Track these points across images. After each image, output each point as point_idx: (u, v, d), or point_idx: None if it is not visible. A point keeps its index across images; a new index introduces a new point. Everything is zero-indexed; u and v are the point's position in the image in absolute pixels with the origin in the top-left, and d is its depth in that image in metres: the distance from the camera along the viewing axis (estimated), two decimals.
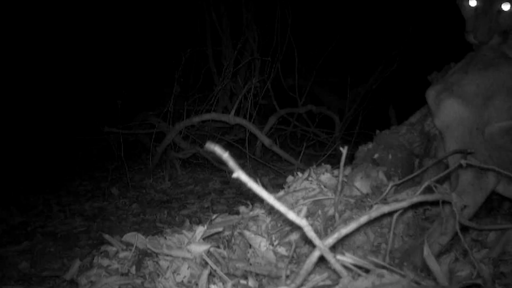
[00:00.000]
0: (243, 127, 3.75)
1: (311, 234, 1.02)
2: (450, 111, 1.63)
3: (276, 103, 4.12)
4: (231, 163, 1.00)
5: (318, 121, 4.06)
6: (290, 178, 1.91)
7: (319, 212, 1.63)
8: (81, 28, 5.82)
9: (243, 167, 3.59)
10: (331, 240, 1.09)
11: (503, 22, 1.68)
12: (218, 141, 4.07)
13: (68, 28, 5.74)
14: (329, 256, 1.08)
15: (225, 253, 1.53)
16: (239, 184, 3.29)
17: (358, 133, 3.82)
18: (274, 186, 2.90)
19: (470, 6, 1.71)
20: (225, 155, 0.97)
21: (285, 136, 4.36)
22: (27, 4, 5.45)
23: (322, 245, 1.06)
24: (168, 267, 1.45)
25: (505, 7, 1.66)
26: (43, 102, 5.48)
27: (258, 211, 1.78)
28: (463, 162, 1.33)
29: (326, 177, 1.83)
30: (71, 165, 4.17)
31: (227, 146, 4.00)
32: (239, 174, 1.01)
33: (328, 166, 1.95)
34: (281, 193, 1.83)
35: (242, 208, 1.87)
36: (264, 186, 2.88)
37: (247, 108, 3.97)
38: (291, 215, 1.01)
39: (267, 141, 3.49)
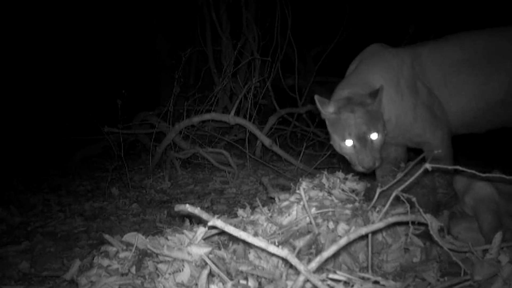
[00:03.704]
0: (243, 127, 3.75)
1: (294, 261, 1.12)
2: None
3: (276, 103, 4.12)
4: (204, 215, 1.09)
5: (318, 121, 4.06)
6: (304, 184, 1.91)
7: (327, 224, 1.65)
8: (81, 28, 5.82)
9: (243, 167, 3.59)
10: (314, 264, 1.17)
11: (377, 147, 2.06)
12: (218, 141, 4.08)
13: (68, 28, 5.74)
14: (314, 280, 1.14)
15: (225, 255, 1.53)
16: (239, 184, 3.30)
17: None
18: (274, 186, 2.90)
19: (348, 145, 2.06)
20: (196, 210, 1.09)
21: (285, 136, 4.36)
22: (27, 4, 5.45)
23: (307, 270, 1.13)
24: (168, 268, 1.45)
25: (374, 136, 2.04)
26: (43, 102, 5.48)
27: (259, 215, 1.78)
28: (428, 166, 1.39)
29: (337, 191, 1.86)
30: (71, 165, 4.17)
31: (227, 146, 4.00)
32: (215, 222, 1.11)
33: (341, 174, 2.01)
34: (293, 198, 1.84)
35: (240, 211, 1.88)
36: (264, 186, 2.88)
37: (247, 108, 3.97)
38: (272, 248, 1.12)
39: (267, 141, 3.49)
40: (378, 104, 2.08)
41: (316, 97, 2.11)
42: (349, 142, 2.05)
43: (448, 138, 2.27)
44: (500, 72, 2.28)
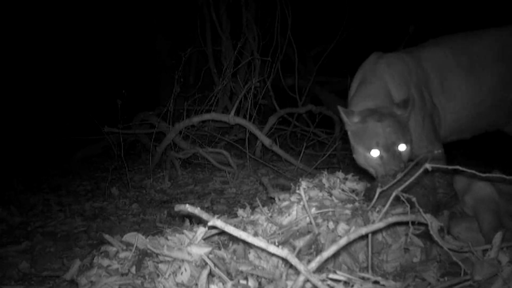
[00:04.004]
0: (243, 127, 3.75)
1: (294, 261, 1.12)
2: None
3: (276, 103, 4.12)
4: (204, 215, 1.08)
5: (318, 121, 4.06)
6: (304, 184, 1.90)
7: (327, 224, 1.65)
8: (81, 28, 5.82)
9: (243, 167, 3.59)
10: (314, 264, 1.17)
11: (404, 160, 1.96)
12: (218, 141, 4.08)
13: (68, 28, 5.74)
14: (314, 280, 1.15)
15: (225, 255, 1.53)
16: (239, 184, 3.30)
17: None
18: (274, 186, 2.90)
19: (373, 156, 1.97)
20: (196, 210, 1.09)
21: (285, 136, 4.36)
22: (27, 4, 5.45)
23: (307, 270, 1.14)
24: (168, 268, 1.45)
25: (402, 148, 1.96)
26: (43, 102, 5.48)
27: (259, 215, 1.78)
28: (428, 166, 1.38)
29: (337, 191, 1.85)
30: (71, 165, 4.17)
31: (227, 146, 4.00)
32: (215, 222, 1.10)
33: (341, 175, 1.99)
34: (293, 198, 1.84)
35: (240, 211, 1.88)
36: (264, 186, 2.88)
37: (247, 108, 3.97)
38: (272, 248, 1.12)
39: (267, 141, 3.49)
40: (408, 115, 2.01)
41: (340, 108, 2.04)
42: (375, 153, 1.97)
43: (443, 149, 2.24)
44: (492, 75, 2.27)
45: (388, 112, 1.99)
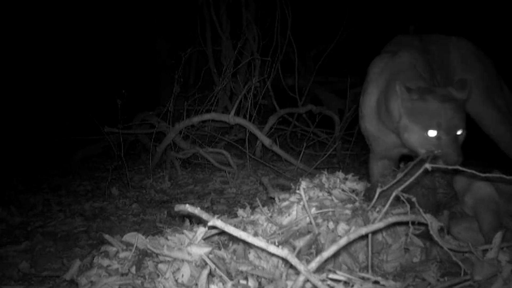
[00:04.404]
0: (243, 127, 3.75)
1: (294, 261, 1.12)
2: None
3: (276, 103, 4.12)
4: (204, 215, 1.13)
5: (318, 121, 4.06)
6: (304, 184, 1.90)
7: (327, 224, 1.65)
8: (81, 28, 5.82)
9: (243, 167, 3.59)
10: (314, 264, 1.17)
11: (460, 145, 1.89)
12: (218, 141, 4.08)
13: (68, 28, 5.74)
14: (314, 280, 1.15)
15: (225, 255, 1.53)
16: (239, 184, 3.30)
17: (358, 133, 3.81)
18: (274, 186, 2.90)
19: (431, 136, 1.88)
20: (196, 210, 1.09)
21: (285, 136, 4.36)
22: (27, 4, 5.45)
23: (307, 270, 1.14)
24: (168, 268, 1.45)
25: (460, 132, 1.89)
26: (43, 102, 5.48)
27: (259, 215, 1.78)
28: (428, 166, 1.38)
29: (337, 191, 1.85)
30: (71, 165, 4.17)
31: (227, 146, 4.00)
32: (215, 222, 1.11)
33: (341, 175, 1.98)
34: (293, 198, 1.84)
35: (240, 211, 1.88)
36: (264, 186, 2.88)
37: (247, 108, 3.97)
38: (272, 248, 1.13)
39: (267, 141, 3.49)
40: (466, 98, 1.95)
41: (399, 83, 1.93)
42: (432, 133, 1.88)
43: None
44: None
45: (447, 92, 1.90)
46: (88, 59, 5.89)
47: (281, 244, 1.57)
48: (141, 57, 5.77)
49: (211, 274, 1.41)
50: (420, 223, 1.44)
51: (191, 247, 1.48)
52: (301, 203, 1.73)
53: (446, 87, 1.97)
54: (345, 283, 1.28)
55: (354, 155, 3.92)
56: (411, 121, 1.95)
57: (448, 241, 1.56)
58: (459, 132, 1.88)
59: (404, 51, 2.26)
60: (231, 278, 1.41)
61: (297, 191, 1.83)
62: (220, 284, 1.37)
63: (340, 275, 1.26)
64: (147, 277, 1.45)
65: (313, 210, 1.69)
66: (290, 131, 4.31)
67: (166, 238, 1.60)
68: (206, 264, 1.43)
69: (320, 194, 1.84)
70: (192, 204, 2.90)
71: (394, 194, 1.42)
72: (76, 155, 4.32)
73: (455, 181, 2.02)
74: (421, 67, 2.19)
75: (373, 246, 1.48)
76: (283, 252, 1.12)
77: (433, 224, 1.36)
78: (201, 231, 1.56)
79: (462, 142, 1.92)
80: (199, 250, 1.47)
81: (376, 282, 1.27)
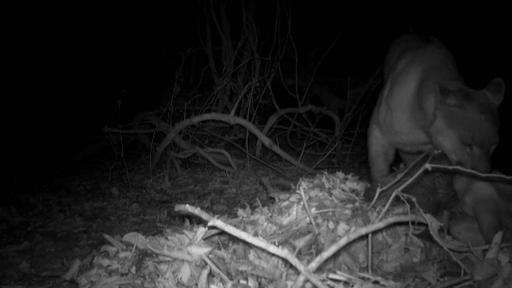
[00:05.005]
0: (243, 127, 3.75)
1: (294, 261, 1.12)
2: None
3: (276, 103, 4.12)
4: (204, 215, 1.12)
5: (318, 121, 4.06)
6: (304, 184, 1.90)
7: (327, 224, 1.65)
8: (81, 28, 5.82)
9: (243, 167, 3.59)
10: (314, 264, 1.17)
11: (491, 153, 1.87)
12: (218, 141, 4.08)
13: (68, 28, 5.74)
14: (314, 280, 1.14)
15: (225, 255, 1.53)
16: (239, 184, 3.30)
17: (358, 133, 3.82)
18: (274, 186, 2.90)
19: (463, 145, 1.84)
20: (196, 210, 1.09)
21: (285, 136, 4.36)
22: (27, 4, 5.45)
23: (307, 270, 1.14)
24: (168, 268, 1.45)
25: (494, 147, 1.88)
26: (43, 102, 5.48)
27: (259, 215, 1.78)
28: (428, 166, 1.37)
29: (337, 191, 1.85)
30: (71, 165, 4.17)
31: (227, 146, 4.00)
32: (215, 222, 1.11)
33: (341, 175, 1.98)
34: (293, 198, 1.84)
35: (240, 211, 1.88)
36: (264, 186, 2.88)
37: (247, 108, 3.97)
38: (272, 248, 1.12)
39: (267, 141, 3.49)
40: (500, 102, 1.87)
41: (435, 84, 1.86)
42: (467, 142, 1.86)
43: None
44: None
45: (484, 98, 1.81)
46: (88, 59, 5.89)
47: (281, 244, 1.57)
48: (141, 57, 5.77)
49: (211, 274, 1.41)
50: (420, 223, 1.44)
51: (191, 247, 1.48)
52: (301, 203, 1.73)
53: (482, 90, 1.88)
54: (345, 283, 1.28)
55: (354, 155, 3.92)
56: (447, 126, 1.90)
57: (448, 241, 1.56)
58: (493, 147, 1.87)
59: (432, 45, 2.18)
60: (231, 278, 1.41)
61: (297, 191, 1.83)
62: (220, 284, 1.37)
63: (340, 275, 1.25)
64: (147, 277, 1.45)
65: (313, 210, 1.69)
66: (290, 131, 4.31)
67: (166, 238, 1.60)
68: (206, 264, 1.43)
69: (320, 194, 1.84)
70: (192, 204, 2.91)
71: (394, 194, 1.42)
72: (76, 155, 4.33)
73: (455, 181, 2.02)
74: (451, 63, 2.12)
75: (373, 246, 1.48)
76: (283, 252, 1.12)
77: (433, 224, 1.36)
78: (201, 231, 1.56)
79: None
80: (199, 250, 1.47)
81: (376, 282, 1.27)
